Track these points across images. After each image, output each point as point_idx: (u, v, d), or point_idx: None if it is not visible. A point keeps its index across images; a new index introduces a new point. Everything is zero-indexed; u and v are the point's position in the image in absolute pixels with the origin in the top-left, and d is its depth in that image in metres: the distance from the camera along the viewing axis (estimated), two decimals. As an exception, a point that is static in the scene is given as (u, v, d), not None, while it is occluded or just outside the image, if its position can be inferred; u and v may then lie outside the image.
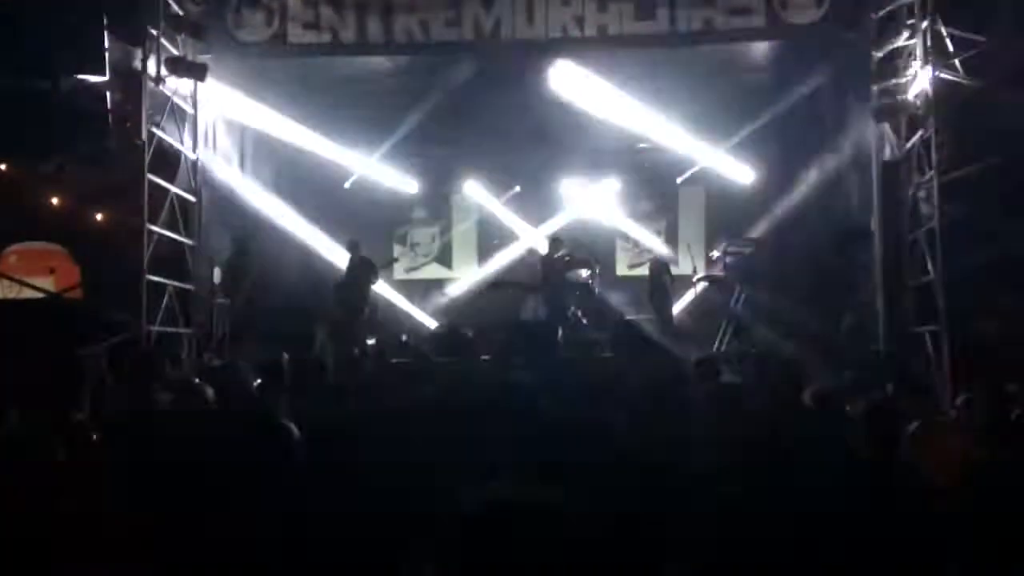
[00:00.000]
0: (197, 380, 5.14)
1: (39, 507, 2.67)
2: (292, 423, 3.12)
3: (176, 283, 9.09)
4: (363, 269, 10.79)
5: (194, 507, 2.78)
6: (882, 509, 2.44)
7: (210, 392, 4.51)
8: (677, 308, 11.76)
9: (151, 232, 8.67)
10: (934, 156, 8.27)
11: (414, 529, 2.58)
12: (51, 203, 9.49)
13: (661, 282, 10.85)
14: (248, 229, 10.88)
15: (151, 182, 8.70)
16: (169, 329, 8.92)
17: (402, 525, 2.64)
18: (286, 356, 6.15)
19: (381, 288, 12.32)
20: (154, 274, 8.68)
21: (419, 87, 11.02)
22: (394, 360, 8.26)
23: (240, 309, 10.32)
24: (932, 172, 8.31)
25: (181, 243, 9.32)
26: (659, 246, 13.14)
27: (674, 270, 12.47)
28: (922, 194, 8.67)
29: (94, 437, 2.89)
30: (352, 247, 10.95)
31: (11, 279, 9.40)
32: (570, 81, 10.45)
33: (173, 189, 9.13)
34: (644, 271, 13.05)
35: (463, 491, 1.58)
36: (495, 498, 1.53)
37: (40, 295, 9.20)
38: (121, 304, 8.35)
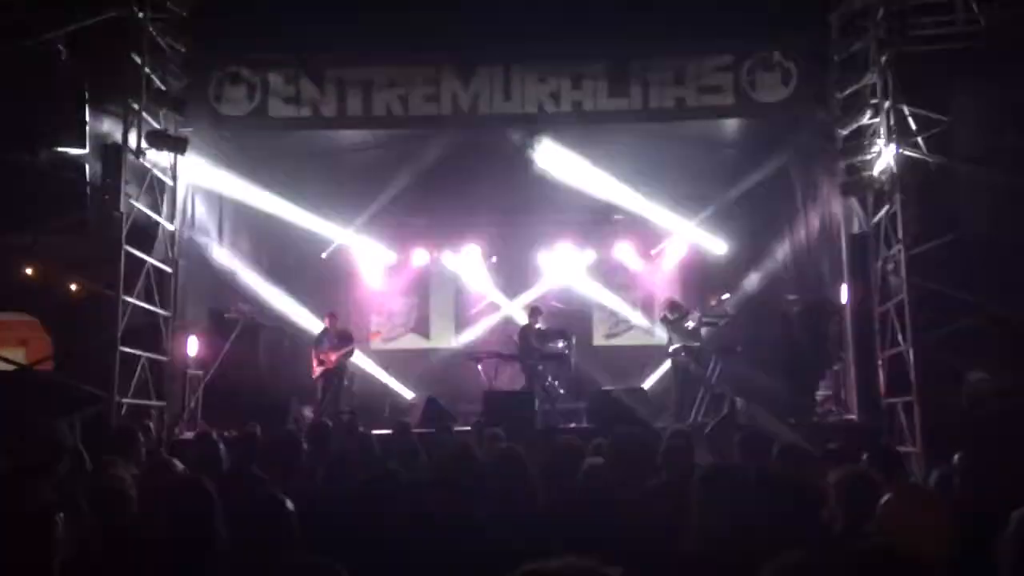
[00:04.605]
0: (167, 454, 5.09)
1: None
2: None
3: (150, 354, 9.01)
4: (339, 341, 10.82)
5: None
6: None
7: (179, 466, 4.46)
8: (652, 379, 11.81)
9: (126, 303, 8.63)
10: (900, 230, 8.47)
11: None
12: (25, 274, 9.42)
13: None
14: (224, 300, 10.85)
15: (128, 253, 8.70)
16: (141, 401, 8.81)
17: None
18: (259, 429, 6.11)
19: (358, 358, 12.29)
20: (128, 345, 8.60)
21: (397, 159, 11.19)
22: (374, 432, 8.18)
23: (213, 381, 10.21)
24: (899, 246, 8.50)
25: (156, 314, 9.28)
26: (636, 317, 13.23)
27: (649, 340, 12.57)
28: (890, 267, 8.85)
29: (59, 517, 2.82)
30: (329, 318, 11.01)
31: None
32: (546, 155, 10.67)
33: (150, 260, 9.13)
34: (620, 341, 13.15)
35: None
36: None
37: (10, 367, 9.06)
38: (93, 376, 8.25)
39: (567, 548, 1.60)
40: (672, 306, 10.94)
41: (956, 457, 4.60)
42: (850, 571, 2.48)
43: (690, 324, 10.73)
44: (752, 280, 12.02)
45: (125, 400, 8.48)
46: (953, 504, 4.30)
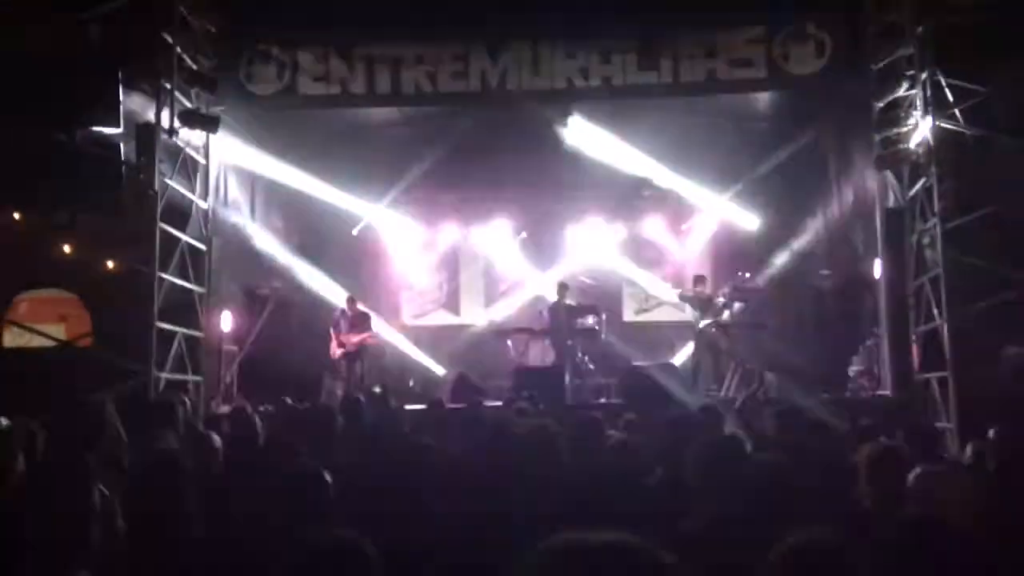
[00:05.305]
0: (203, 427, 5.19)
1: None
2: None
3: (186, 330, 9.17)
4: (358, 323, 10.83)
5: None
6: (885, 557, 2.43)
7: (216, 440, 4.55)
8: (683, 354, 11.77)
9: (162, 280, 8.77)
10: (936, 204, 8.34)
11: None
12: (63, 252, 9.60)
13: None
14: (257, 276, 10.98)
15: (162, 231, 8.84)
16: (178, 376, 8.97)
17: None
18: (293, 403, 6.21)
19: (389, 335, 12.40)
20: (164, 321, 8.76)
21: (427, 136, 11.21)
22: (406, 407, 8.28)
23: (248, 356, 10.37)
24: (935, 219, 8.38)
25: (191, 290, 9.42)
26: (666, 293, 13.19)
27: (680, 316, 12.52)
28: (926, 240, 8.73)
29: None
30: (348, 302, 11.01)
31: (22, 327, 9.48)
32: (576, 130, 10.62)
33: (184, 238, 9.26)
34: (650, 317, 13.12)
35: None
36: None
37: (51, 343, 9.26)
38: (131, 351, 8.41)
39: (583, 522, 1.55)
40: (697, 281, 10.89)
41: (991, 432, 4.57)
42: (883, 546, 2.47)
43: (719, 300, 10.68)
44: (784, 255, 11.92)
45: (163, 375, 8.65)
46: (988, 479, 4.29)
